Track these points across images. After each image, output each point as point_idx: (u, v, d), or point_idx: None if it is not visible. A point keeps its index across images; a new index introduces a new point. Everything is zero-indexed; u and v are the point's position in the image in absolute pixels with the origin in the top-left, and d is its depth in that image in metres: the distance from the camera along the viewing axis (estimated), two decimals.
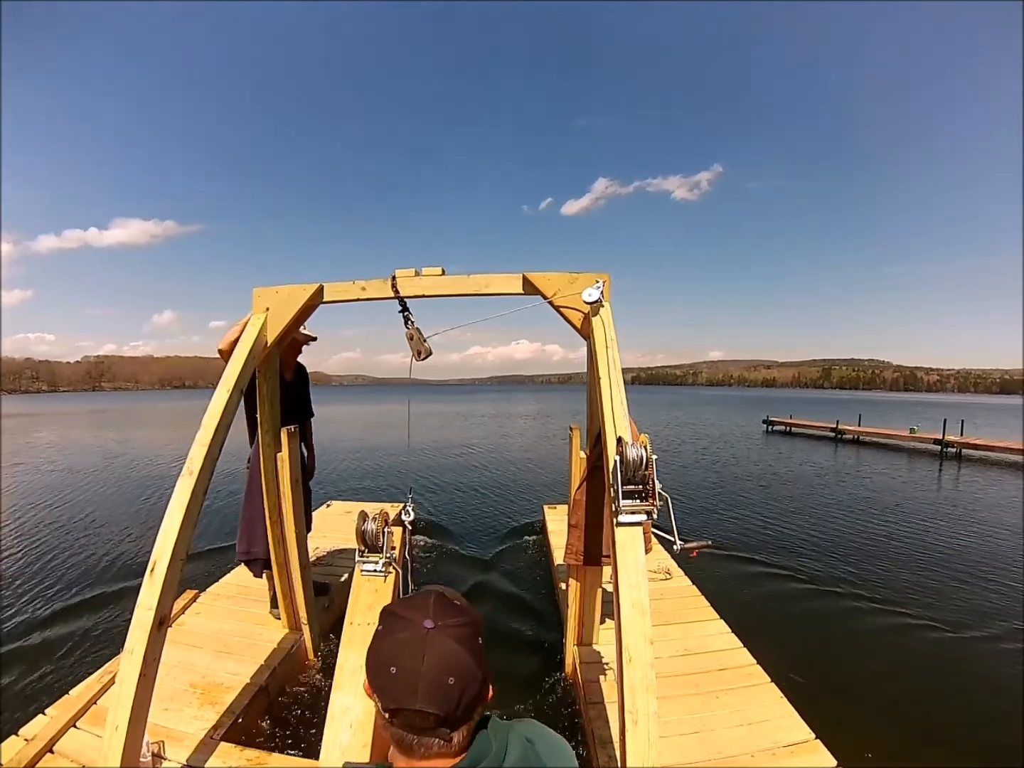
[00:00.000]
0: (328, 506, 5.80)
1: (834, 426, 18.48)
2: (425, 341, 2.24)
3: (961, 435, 15.21)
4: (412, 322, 2.23)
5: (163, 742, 1.92)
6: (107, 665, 2.49)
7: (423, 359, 2.28)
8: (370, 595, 1.79)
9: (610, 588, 1.65)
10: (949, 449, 14.58)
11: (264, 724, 2.35)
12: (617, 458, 1.51)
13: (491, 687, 0.69)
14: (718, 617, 3.10)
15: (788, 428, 20.79)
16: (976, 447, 14.52)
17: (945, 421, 15.52)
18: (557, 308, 2.08)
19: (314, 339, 3.06)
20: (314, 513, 3.98)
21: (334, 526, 4.86)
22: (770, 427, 21.16)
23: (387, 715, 0.64)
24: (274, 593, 2.91)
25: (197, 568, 4.51)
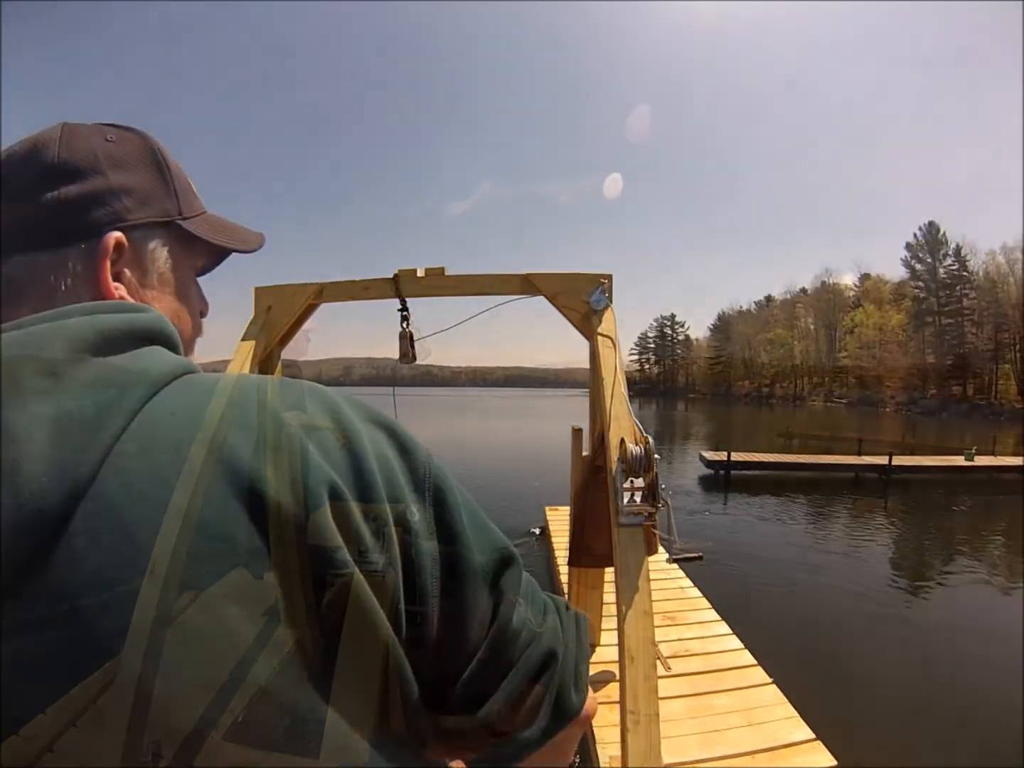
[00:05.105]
0: None
1: (887, 462, 10.19)
2: (416, 342, 2.22)
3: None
4: (409, 323, 2.21)
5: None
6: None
7: (412, 362, 2.26)
8: None
9: (611, 588, 1.65)
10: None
11: None
12: (619, 459, 1.51)
13: None
14: (719, 618, 3.10)
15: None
16: None
17: None
18: (559, 308, 2.08)
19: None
20: None
21: None
22: (721, 471, 10.45)
23: None
24: None
25: None
